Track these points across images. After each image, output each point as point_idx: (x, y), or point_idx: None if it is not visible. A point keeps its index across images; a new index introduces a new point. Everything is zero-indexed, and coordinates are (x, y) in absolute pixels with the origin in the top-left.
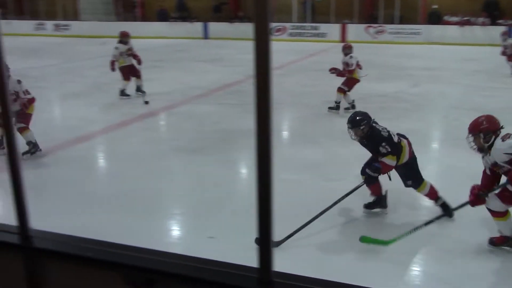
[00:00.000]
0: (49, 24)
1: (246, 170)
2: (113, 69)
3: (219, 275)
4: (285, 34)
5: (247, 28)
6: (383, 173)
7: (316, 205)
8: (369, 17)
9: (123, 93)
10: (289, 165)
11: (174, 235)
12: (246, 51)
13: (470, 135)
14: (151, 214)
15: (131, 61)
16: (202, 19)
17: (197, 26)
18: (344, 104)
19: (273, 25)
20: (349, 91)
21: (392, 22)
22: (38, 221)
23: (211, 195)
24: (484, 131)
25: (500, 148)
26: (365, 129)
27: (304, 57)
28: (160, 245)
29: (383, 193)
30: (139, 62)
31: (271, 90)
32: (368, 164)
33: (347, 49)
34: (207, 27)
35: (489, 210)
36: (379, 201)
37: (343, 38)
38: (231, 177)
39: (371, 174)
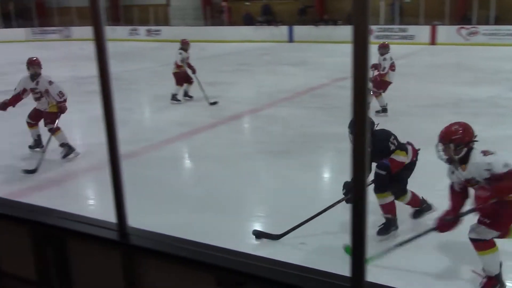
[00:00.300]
0: (142, 29)
1: (331, 175)
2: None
3: (309, 281)
4: (372, 37)
5: (332, 31)
6: (393, 171)
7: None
8: (462, 18)
9: (174, 97)
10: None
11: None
12: (331, 54)
13: (440, 144)
14: (236, 216)
15: (185, 68)
16: (287, 22)
17: (282, 29)
18: (376, 107)
19: None
20: (384, 92)
21: (487, 23)
22: (130, 219)
23: (296, 199)
24: (456, 141)
25: (482, 163)
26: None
27: None
28: (244, 246)
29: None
30: (194, 71)
31: (367, 93)
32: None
33: (382, 49)
34: (292, 30)
35: (472, 240)
36: (393, 223)
37: (433, 40)
38: (316, 181)
39: (380, 172)
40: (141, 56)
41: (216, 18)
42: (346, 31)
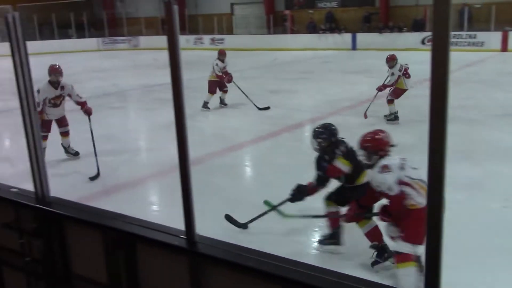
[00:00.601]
0: (206, 38)
1: None
2: (228, 81)
3: None
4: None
5: (397, 38)
6: (329, 175)
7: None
8: None
9: (205, 105)
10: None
11: (319, 249)
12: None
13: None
14: (299, 226)
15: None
16: (350, 30)
17: (346, 37)
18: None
19: (425, 34)
20: (397, 98)
21: None
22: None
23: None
24: (367, 150)
25: (375, 178)
26: (322, 143)
27: (459, 67)
28: (307, 257)
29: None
30: (230, 80)
31: (447, 101)
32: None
33: (390, 62)
34: (356, 37)
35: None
36: (333, 236)
37: (504, 47)
38: None
39: (319, 173)
40: (205, 64)
41: (279, 26)
42: (411, 38)
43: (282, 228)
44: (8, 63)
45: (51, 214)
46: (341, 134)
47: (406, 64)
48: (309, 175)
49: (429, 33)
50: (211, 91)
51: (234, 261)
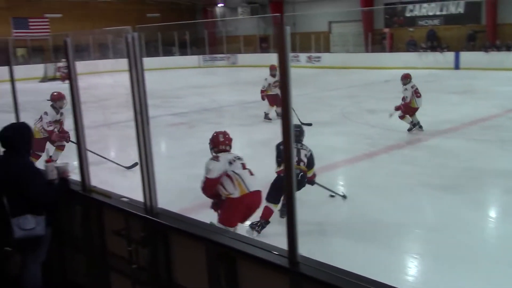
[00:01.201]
0: (303, 56)
1: (500, 216)
2: (262, 98)
3: None
4: None
5: (505, 58)
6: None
7: None
8: None
9: (266, 116)
10: None
11: (413, 275)
12: (503, 83)
13: None
14: (391, 248)
15: (277, 91)
16: (453, 48)
17: (448, 56)
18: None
19: None
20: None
21: None
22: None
23: (460, 240)
24: (209, 145)
25: (206, 164)
26: None
27: None
28: (397, 282)
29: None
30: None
31: None
32: None
33: (404, 80)
34: (459, 56)
35: None
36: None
37: None
38: (482, 221)
39: None
40: (301, 82)
41: (378, 44)
42: None
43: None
44: (118, 78)
45: (158, 224)
46: (443, 158)
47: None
48: (408, 199)
49: None
50: (271, 104)
51: (336, 284)
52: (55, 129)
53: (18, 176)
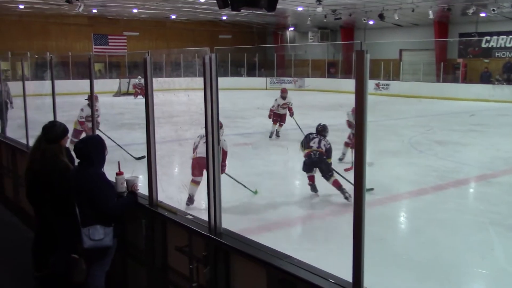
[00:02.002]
0: (371, 83)
1: None
2: (269, 116)
3: None
4: None
5: None
6: None
7: None
8: None
9: (271, 134)
10: None
11: None
12: None
13: None
14: None
15: (285, 112)
16: None
17: None
18: None
19: None
20: None
21: None
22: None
23: None
24: None
25: None
26: None
27: None
28: None
29: None
30: (291, 114)
31: None
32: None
33: None
34: None
35: None
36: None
37: None
38: None
39: None
40: (368, 109)
41: (450, 74)
42: None
43: None
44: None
45: (221, 244)
46: None
47: None
48: (477, 237)
49: None
50: (274, 122)
51: None
52: (87, 123)
53: (90, 187)
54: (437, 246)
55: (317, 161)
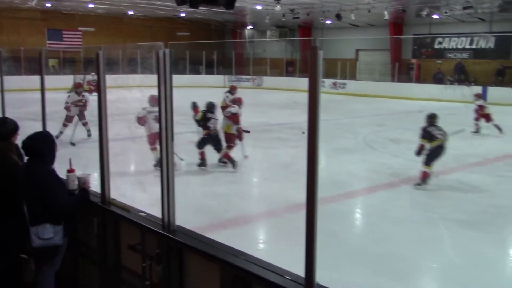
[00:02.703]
0: (328, 82)
1: None
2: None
3: None
4: None
5: None
6: None
7: None
8: None
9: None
10: None
11: None
12: None
13: None
14: (411, 283)
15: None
16: (481, 82)
17: (475, 90)
18: None
19: None
20: None
21: None
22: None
23: (479, 277)
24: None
25: None
26: None
27: None
28: None
29: None
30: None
31: None
32: None
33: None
34: (486, 91)
35: None
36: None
37: None
38: (504, 261)
39: None
40: (324, 108)
41: (404, 74)
42: None
43: None
44: (146, 93)
45: (174, 242)
46: (466, 193)
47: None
48: (429, 233)
49: None
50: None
51: None
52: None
53: (40, 184)
54: (390, 241)
55: (211, 139)
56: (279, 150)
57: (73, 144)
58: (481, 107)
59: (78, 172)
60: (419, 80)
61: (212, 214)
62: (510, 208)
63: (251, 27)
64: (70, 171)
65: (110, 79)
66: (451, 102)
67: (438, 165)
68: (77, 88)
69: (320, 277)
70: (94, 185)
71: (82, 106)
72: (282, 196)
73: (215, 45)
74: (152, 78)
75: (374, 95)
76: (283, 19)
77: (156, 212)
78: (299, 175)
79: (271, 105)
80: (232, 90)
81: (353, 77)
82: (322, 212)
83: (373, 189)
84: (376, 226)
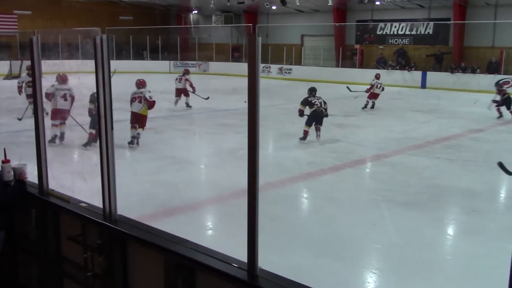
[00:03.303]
0: (274, 67)
1: (458, 234)
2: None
3: None
4: None
5: (470, 80)
6: None
7: None
8: None
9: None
10: None
11: None
12: (466, 104)
13: None
14: (355, 264)
15: (184, 86)
16: (421, 67)
17: (415, 74)
18: None
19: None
20: None
21: None
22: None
23: (419, 256)
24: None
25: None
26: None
27: None
28: None
29: None
30: (193, 90)
31: None
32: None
33: None
34: (426, 76)
35: None
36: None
37: None
38: (442, 239)
39: None
40: (270, 93)
41: (348, 60)
42: (485, 81)
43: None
44: (84, 79)
45: (116, 232)
46: (407, 175)
47: None
48: (371, 214)
49: (504, 76)
50: (177, 95)
51: None
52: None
53: None
54: (334, 223)
55: (323, 116)
56: (225, 136)
57: (19, 119)
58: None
59: (14, 163)
60: (362, 65)
61: (159, 202)
62: (445, 189)
63: (196, 11)
64: (5, 161)
65: (46, 66)
66: (393, 87)
67: (381, 149)
68: (29, 70)
69: (263, 261)
70: (31, 176)
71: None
72: (228, 182)
73: (159, 30)
74: (90, 65)
75: (319, 80)
76: (228, 4)
77: (98, 203)
78: (245, 161)
79: (217, 90)
80: (185, 72)
81: (298, 62)
82: (268, 196)
83: (318, 173)
84: (320, 209)
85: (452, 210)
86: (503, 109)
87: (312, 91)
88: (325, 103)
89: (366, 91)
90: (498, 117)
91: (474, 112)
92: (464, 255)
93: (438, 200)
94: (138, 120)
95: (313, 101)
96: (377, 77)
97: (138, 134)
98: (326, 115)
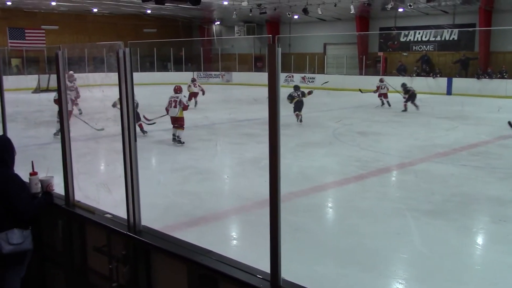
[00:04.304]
0: (297, 76)
1: (487, 243)
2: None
3: None
4: None
5: (497, 85)
6: None
7: None
8: None
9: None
10: None
11: None
12: (494, 110)
13: None
14: (380, 275)
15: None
16: (446, 74)
17: (440, 81)
18: None
19: None
20: None
21: None
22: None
23: (446, 266)
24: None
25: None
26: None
27: None
28: None
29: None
30: (203, 93)
31: None
32: None
33: None
34: (451, 82)
35: None
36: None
37: None
38: (471, 248)
39: None
40: None
41: (371, 67)
42: None
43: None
44: (108, 92)
45: (140, 243)
46: (432, 183)
47: None
48: (396, 223)
49: None
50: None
51: None
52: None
53: (5, 189)
54: (359, 233)
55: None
56: (247, 145)
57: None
58: None
59: (41, 175)
60: (386, 72)
61: (183, 212)
62: (472, 197)
63: (219, 22)
64: (33, 174)
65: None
66: (419, 94)
67: (405, 157)
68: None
69: (287, 271)
70: (58, 188)
71: (73, 91)
72: (251, 192)
73: (184, 42)
74: (114, 77)
75: (342, 89)
76: (250, 14)
77: (123, 213)
78: (267, 170)
79: (240, 101)
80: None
81: (321, 71)
82: (292, 206)
83: (341, 182)
84: (344, 219)
85: (479, 219)
86: None
87: (296, 88)
88: (303, 94)
89: (374, 92)
90: None
91: (502, 118)
92: (494, 264)
93: (464, 208)
94: (177, 121)
95: (294, 95)
96: (382, 80)
97: (179, 135)
98: (304, 97)
